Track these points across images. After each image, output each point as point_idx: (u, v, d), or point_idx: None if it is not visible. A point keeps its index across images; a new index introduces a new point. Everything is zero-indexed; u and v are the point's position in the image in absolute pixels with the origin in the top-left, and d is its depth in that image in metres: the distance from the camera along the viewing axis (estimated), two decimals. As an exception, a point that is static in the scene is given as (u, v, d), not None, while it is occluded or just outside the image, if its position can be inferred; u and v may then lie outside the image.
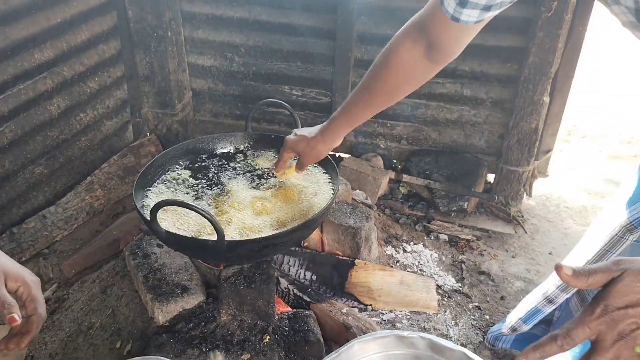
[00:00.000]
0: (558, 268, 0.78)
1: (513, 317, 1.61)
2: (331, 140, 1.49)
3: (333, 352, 1.39)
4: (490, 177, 2.50)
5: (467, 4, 1.07)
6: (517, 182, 2.35)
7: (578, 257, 1.36)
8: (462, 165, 2.38)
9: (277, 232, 1.49)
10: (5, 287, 0.94)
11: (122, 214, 2.37)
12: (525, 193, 2.42)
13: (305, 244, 1.99)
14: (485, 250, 2.17)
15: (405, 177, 2.40)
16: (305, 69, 2.55)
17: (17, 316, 0.91)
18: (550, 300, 1.46)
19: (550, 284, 1.45)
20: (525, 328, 1.58)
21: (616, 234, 1.23)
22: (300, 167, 1.59)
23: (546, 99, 2.18)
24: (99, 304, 1.80)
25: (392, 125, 2.56)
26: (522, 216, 2.36)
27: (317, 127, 1.50)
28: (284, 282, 1.80)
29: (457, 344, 1.51)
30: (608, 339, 0.75)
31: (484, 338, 1.77)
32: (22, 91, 2.10)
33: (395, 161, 2.58)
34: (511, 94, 2.29)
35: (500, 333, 1.67)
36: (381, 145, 2.60)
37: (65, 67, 2.26)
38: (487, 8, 1.07)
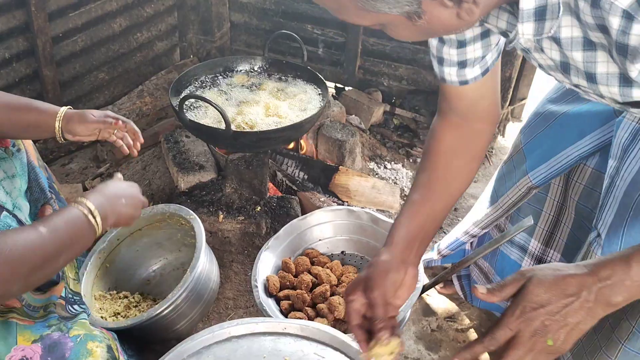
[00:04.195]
0: (474, 289, 0.95)
1: (442, 244, 1.92)
2: (407, 264, 1.18)
3: (301, 217, 1.91)
4: (474, 118, 2.90)
5: (466, 65, 1.13)
6: (492, 123, 2.76)
7: (489, 201, 1.73)
8: (446, 104, 2.79)
9: (270, 128, 1.99)
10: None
11: (164, 118, 2.92)
12: (499, 133, 2.82)
13: (302, 151, 2.48)
14: (453, 174, 2.61)
15: (398, 110, 2.84)
16: (326, 10, 2.96)
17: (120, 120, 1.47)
18: (472, 235, 1.81)
19: (469, 223, 1.79)
20: (448, 252, 1.91)
21: (522, 192, 1.61)
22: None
23: (520, 52, 2.55)
24: (139, 177, 2.36)
25: (396, 66, 2.97)
26: (492, 150, 2.77)
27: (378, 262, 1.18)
28: (279, 175, 2.31)
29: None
30: (525, 335, 0.90)
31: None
32: (92, 9, 2.63)
33: (394, 98, 3.01)
34: (495, 46, 2.67)
35: (431, 260, 1.97)
36: (384, 83, 3.02)
37: (127, -8, 2.78)
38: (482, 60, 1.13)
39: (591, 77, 0.95)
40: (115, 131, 1.50)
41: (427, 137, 1.31)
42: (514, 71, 2.61)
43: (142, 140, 1.54)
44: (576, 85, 1.04)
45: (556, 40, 0.94)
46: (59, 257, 0.99)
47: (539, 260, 1.68)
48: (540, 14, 0.88)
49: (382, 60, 2.98)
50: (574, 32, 0.90)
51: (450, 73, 1.17)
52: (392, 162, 2.63)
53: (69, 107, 1.46)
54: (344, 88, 3.09)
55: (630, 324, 1.16)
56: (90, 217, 1.06)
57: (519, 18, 0.89)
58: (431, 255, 2.01)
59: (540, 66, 1.09)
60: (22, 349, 1.09)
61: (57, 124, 1.42)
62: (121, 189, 1.21)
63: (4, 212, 1.25)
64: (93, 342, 1.17)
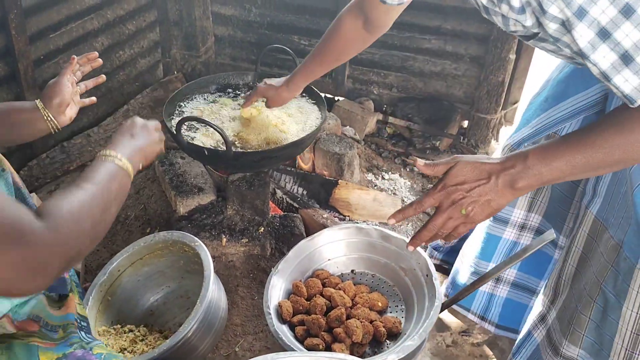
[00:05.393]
0: (414, 160, 1.21)
1: None
2: (294, 89, 1.87)
3: (309, 237, 1.86)
4: (466, 124, 2.89)
5: None
6: (486, 127, 2.75)
7: None
8: (439, 111, 2.78)
9: (271, 147, 1.93)
10: None
11: (151, 138, 2.84)
12: (493, 138, 2.82)
13: (300, 166, 2.43)
14: (451, 182, 2.60)
15: (391, 119, 2.81)
16: (312, 21, 2.94)
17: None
18: None
19: None
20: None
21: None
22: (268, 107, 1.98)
23: (512, 56, 2.55)
24: (133, 201, 2.28)
25: (385, 74, 2.95)
26: (487, 154, 2.76)
27: (283, 78, 1.89)
28: (279, 193, 2.26)
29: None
30: (445, 205, 1.17)
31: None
32: (73, 29, 2.54)
33: (385, 106, 2.98)
34: (485, 51, 2.66)
35: (437, 244, 2.05)
36: (374, 92, 2.99)
37: (108, 10, 2.69)
38: None
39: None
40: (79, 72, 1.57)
41: (336, 19, 1.68)
42: (506, 76, 2.60)
43: (98, 61, 1.64)
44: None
45: None
46: (110, 207, 1.05)
47: (522, 227, 1.69)
48: None
49: (371, 69, 2.95)
50: None
51: None
52: (390, 172, 2.60)
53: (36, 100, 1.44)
54: (334, 98, 3.05)
55: (599, 280, 1.34)
56: (123, 165, 1.12)
57: None
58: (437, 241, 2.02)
59: None
60: None
61: (44, 113, 1.41)
62: (138, 134, 1.26)
63: None
64: (117, 359, 1.16)
